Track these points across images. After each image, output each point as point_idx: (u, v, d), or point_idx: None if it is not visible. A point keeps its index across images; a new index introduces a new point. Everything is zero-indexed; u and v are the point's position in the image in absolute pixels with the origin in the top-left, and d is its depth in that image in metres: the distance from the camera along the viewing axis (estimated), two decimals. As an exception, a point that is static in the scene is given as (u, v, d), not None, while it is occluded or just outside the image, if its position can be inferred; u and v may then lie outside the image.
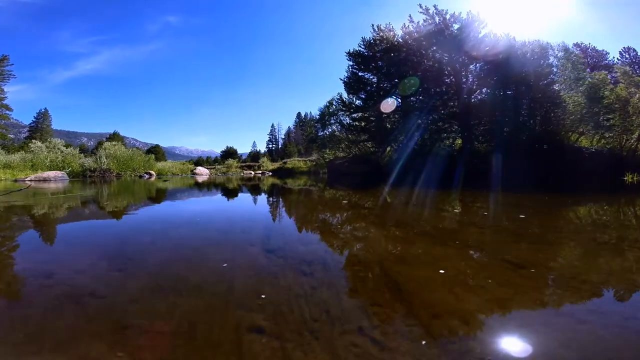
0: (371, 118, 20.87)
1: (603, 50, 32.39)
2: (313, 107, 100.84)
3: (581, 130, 14.36)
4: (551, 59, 15.06)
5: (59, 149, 25.31)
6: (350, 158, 21.95)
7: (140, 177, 21.68)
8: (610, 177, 11.60)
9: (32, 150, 23.40)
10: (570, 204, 5.31)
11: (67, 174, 19.52)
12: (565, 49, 14.70)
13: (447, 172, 13.53)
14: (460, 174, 13.39)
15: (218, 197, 7.57)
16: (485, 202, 5.60)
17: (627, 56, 37.44)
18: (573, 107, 13.80)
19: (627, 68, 14.10)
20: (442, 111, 17.72)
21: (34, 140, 28.58)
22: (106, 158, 23.39)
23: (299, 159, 42.03)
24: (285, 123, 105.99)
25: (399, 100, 19.39)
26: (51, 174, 16.30)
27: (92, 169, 22.35)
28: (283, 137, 71.44)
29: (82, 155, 26.21)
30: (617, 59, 35.87)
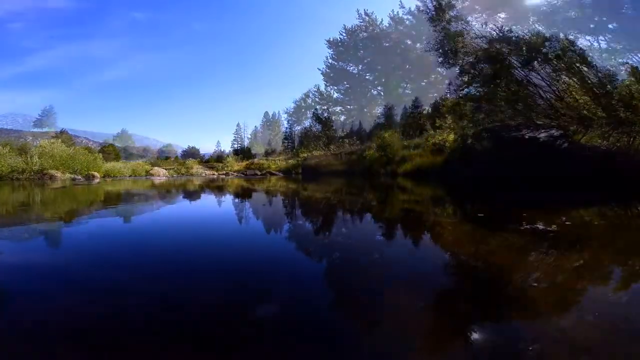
0: (352, 112, 18.80)
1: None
2: (281, 107, 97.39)
3: (585, 129, 13.03)
4: (550, 49, 13.61)
5: (-22, 147, 21.20)
6: (328, 156, 19.75)
7: (74, 179, 18.07)
8: (634, 179, 10.17)
9: (-63, 150, 19.15)
10: None
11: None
12: (570, 41, 13.33)
13: (443, 171, 12.01)
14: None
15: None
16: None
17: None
18: (577, 102, 12.44)
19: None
20: (432, 104, 15.98)
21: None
22: (39, 157, 19.64)
23: (267, 158, 39.38)
24: (252, 122, 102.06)
25: (383, 93, 17.47)
26: None
27: (20, 170, 18.61)
28: (249, 136, 68.46)
29: (13, 154, 21.97)
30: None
